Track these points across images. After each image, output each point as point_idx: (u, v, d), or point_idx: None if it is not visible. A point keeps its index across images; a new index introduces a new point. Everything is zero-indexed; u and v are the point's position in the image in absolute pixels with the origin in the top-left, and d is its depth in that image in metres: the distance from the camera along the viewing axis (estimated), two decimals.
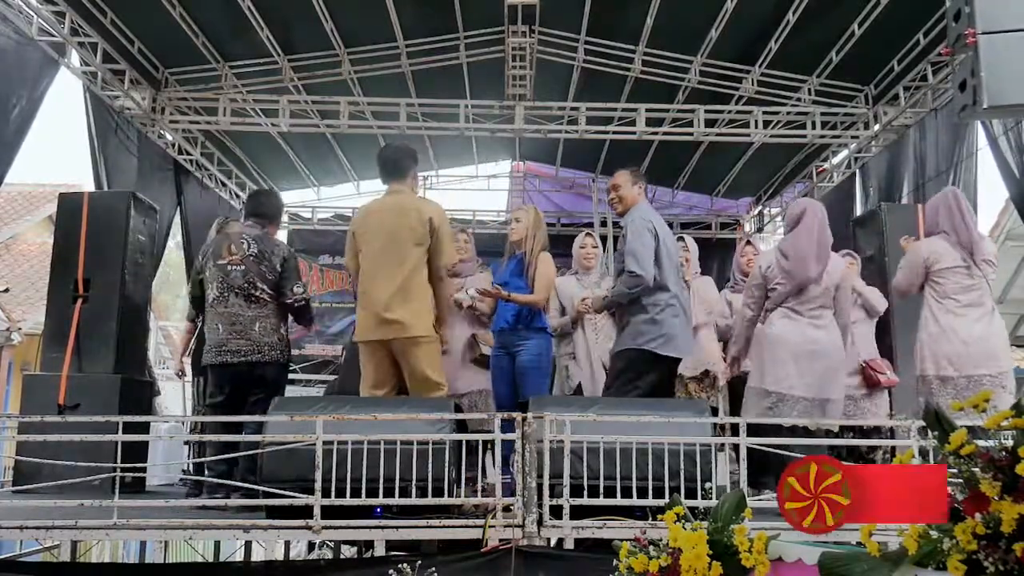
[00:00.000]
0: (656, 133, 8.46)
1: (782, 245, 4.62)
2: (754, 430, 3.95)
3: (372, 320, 4.28)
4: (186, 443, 6.37)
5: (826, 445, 4.23)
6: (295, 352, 6.44)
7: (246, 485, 4.10)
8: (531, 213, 5.21)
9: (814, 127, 8.35)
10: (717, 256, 10.60)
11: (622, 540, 2.50)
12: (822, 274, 4.44)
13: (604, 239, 11.49)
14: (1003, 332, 4.70)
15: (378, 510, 3.74)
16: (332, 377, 8.15)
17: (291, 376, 6.30)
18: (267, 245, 4.70)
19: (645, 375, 4.35)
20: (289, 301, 4.66)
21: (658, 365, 4.38)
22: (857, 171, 8.95)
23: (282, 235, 11.09)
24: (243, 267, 4.60)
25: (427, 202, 4.63)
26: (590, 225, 11.39)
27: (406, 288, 4.26)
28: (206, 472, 4.39)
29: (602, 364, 5.05)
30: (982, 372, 4.46)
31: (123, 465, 3.66)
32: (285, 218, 11.58)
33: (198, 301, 4.91)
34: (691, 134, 8.39)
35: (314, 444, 3.63)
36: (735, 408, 5.31)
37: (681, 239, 5.68)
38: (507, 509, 3.68)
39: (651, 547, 2.36)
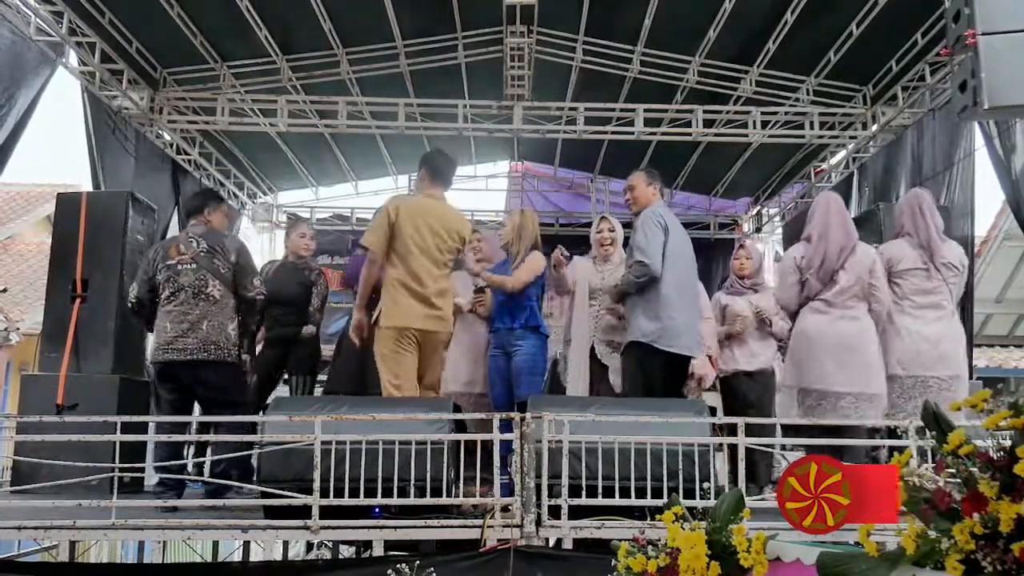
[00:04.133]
0: (654, 133, 8.46)
1: (805, 237, 4.62)
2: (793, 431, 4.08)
3: (424, 309, 4.37)
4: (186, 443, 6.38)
5: (835, 445, 4.21)
6: None
7: (230, 483, 4.14)
8: (516, 216, 5.22)
9: (812, 127, 8.35)
10: (716, 257, 10.61)
11: (621, 540, 2.50)
12: (848, 260, 4.42)
13: None
14: (960, 336, 4.67)
15: (376, 510, 3.74)
16: None
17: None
18: (216, 239, 4.68)
19: (646, 369, 4.39)
20: (252, 294, 4.64)
21: (658, 360, 4.39)
22: (855, 171, 8.96)
23: (280, 235, 11.12)
24: (194, 264, 4.59)
25: (463, 219, 4.80)
26: (588, 225, 11.37)
27: (443, 290, 4.48)
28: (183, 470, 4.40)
29: (595, 353, 4.99)
30: (930, 374, 4.44)
31: (121, 465, 3.66)
32: (283, 218, 11.60)
33: (139, 304, 4.78)
34: (689, 134, 8.40)
35: (312, 444, 3.63)
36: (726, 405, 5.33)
37: (743, 246, 5.72)
38: (505, 509, 3.68)
39: (649, 547, 2.36)
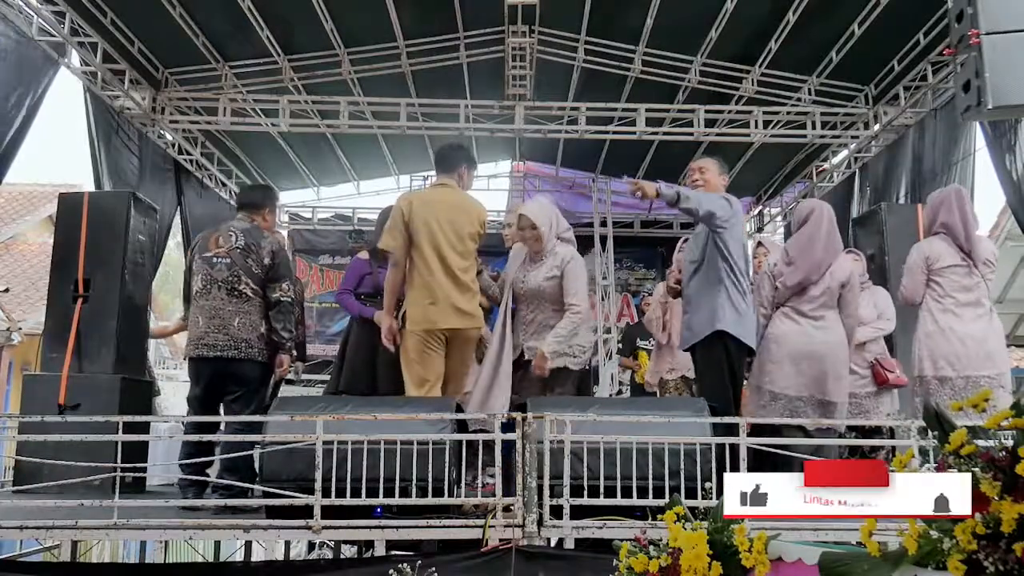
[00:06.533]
0: (656, 133, 8.46)
1: (787, 244, 4.59)
2: (756, 430, 3.93)
3: (444, 308, 4.28)
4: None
5: (827, 445, 4.22)
6: None
7: (224, 482, 4.15)
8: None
9: (814, 127, 8.35)
10: None
11: (622, 540, 2.50)
12: (824, 274, 4.38)
13: (604, 240, 11.50)
14: (1000, 333, 4.65)
15: (378, 510, 3.74)
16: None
17: (291, 376, 6.31)
18: (255, 237, 4.59)
19: (732, 360, 4.28)
20: (275, 296, 4.54)
21: (743, 351, 4.34)
22: (857, 171, 8.96)
23: (281, 234, 11.13)
24: (228, 259, 4.52)
25: (479, 203, 4.77)
26: (590, 225, 11.37)
27: (470, 282, 4.41)
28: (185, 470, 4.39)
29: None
30: (981, 373, 4.40)
31: (123, 465, 3.66)
32: (285, 218, 11.60)
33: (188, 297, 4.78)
34: (691, 134, 8.39)
35: (314, 444, 3.63)
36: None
37: (760, 244, 5.66)
38: (507, 509, 3.68)
39: (651, 547, 2.36)
